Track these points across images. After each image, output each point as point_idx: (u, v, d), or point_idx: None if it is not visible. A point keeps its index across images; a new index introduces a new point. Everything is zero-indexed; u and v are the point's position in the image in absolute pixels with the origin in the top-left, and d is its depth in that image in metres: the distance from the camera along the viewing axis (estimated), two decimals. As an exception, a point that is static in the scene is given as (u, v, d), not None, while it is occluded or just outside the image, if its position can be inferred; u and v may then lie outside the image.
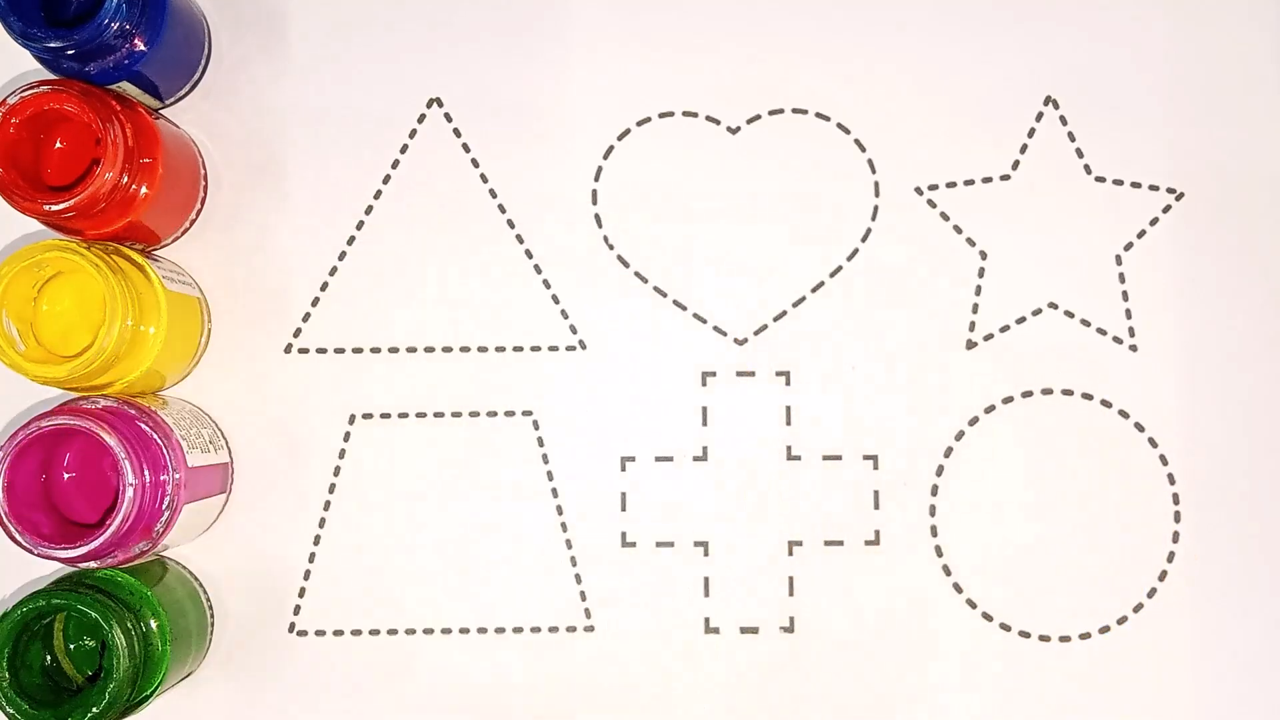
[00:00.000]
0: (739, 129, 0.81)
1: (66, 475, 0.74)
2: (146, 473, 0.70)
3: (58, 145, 0.74)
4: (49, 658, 0.73)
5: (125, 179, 0.70)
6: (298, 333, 0.80)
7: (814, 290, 0.81)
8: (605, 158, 0.81)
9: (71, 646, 0.74)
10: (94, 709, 0.69)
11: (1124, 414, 0.80)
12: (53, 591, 0.70)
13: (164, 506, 0.71)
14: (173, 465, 0.71)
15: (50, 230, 0.74)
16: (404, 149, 0.81)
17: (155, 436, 0.71)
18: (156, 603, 0.72)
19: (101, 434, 0.68)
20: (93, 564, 0.70)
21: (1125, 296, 0.80)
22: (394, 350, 0.80)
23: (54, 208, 0.69)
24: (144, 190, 0.72)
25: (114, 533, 0.68)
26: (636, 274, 0.80)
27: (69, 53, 0.70)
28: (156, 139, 0.73)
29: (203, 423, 0.77)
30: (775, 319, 0.81)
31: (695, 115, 0.81)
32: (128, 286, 0.70)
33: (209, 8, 0.80)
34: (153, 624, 0.72)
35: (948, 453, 0.80)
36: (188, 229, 0.79)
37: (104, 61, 0.72)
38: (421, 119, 0.81)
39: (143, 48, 0.72)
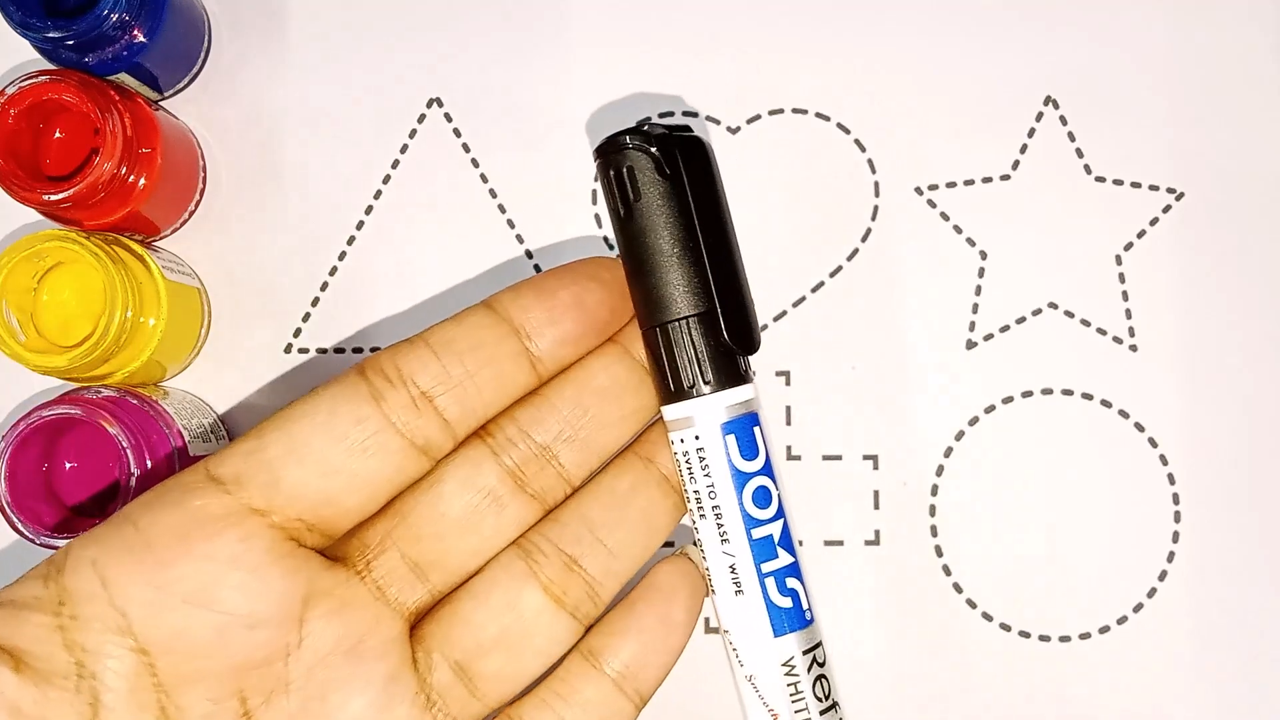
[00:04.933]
0: (739, 129, 0.81)
1: (68, 465, 0.74)
2: (149, 462, 0.70)
3: (56, 135, 0.74)
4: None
5: (124, 169, 0.70)
6: (298, 332, 0.80)
7: (814, 290, 0.81)
8: (605, 157, 0.81)
9: (69, 635, 0.74)
10: (90, 699, 0.69)
11: (1124, 414, 0.80)
12: (52, 580, 0.70)
13: (165, 496, 0.71)
14: (175, 455, 0.71)
15: (49, 220, 0.74)
16: (404, 149, 0.81)
17: (157, 426, 0.71)
18: (155, 595, 0.72)
19: (103, 423, 0.68)
20: (94, 554, 0.70)
21: (1125, 296, 0.80)
22: (394, 350, 0.80)
23: (53, 198, 0.69)
24: (143, 181, 0.72)
25: (116, 522, 0.69)
26: (637, 274, 0.80)
27: (68, 43, 0.70)
28: (155, 130, 0.73)
29: (204, 413, 0.77)
30: (775, 319, 0.80)
31: (695, 115, 0.81)
32: (128, 277, 0.70)
33: (209, 2, 0.81)
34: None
35: (948, 453, 0.80)
36: (186, 220, 0.79)
37: (103, 52, 0.72)
38: (421, 119, 0.81)
39: (142, 39, 0.73)
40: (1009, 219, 0.81)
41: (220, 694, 0.59)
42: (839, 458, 0.80)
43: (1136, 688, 0.79)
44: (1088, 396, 0.80)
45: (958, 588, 0.80)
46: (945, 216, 0.81)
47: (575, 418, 0.65)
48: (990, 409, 0.80)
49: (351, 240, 0.80)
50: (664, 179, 0.64)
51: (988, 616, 0.80)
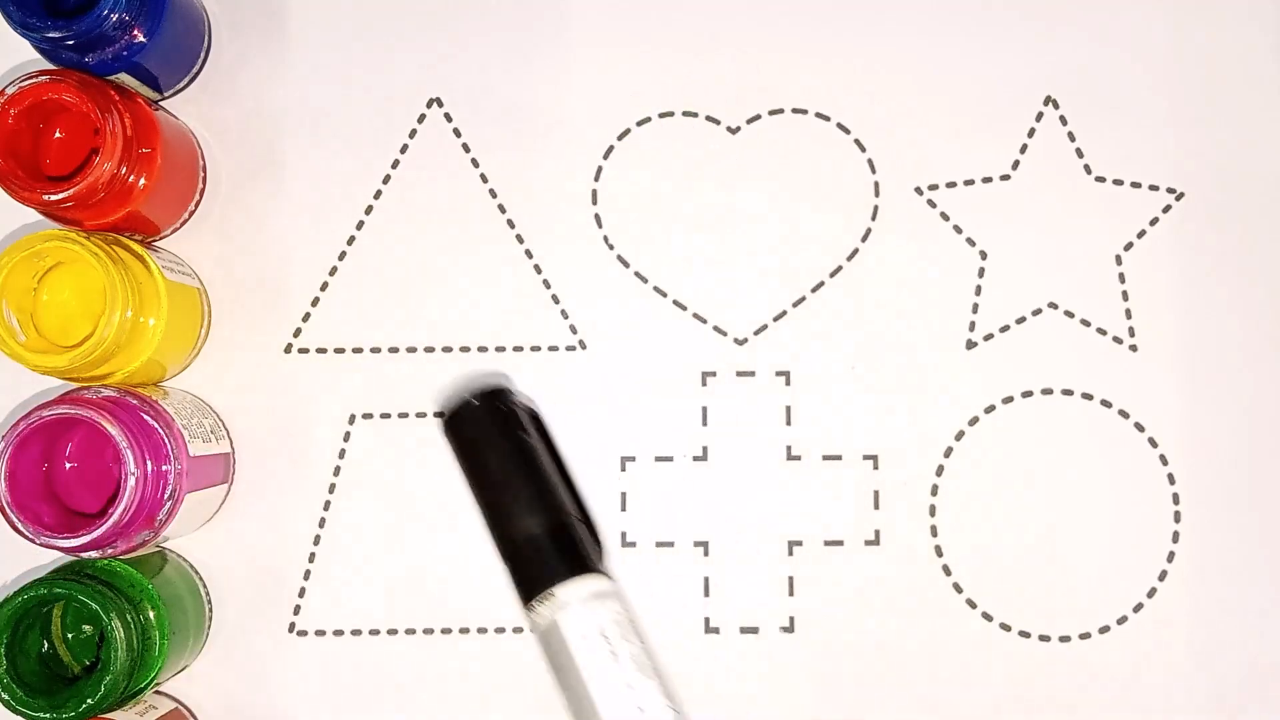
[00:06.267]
0: (739, 129, 0.81)
1: (68, 465, 0.74)
2: (148, 462, 0.69)
3: (57, 135, 0.74)
4: (46, 645, 0.73)
5: (124, 169, 0.70)
6: (298, 332, 0.80)
7: (814, 290, 0.81)
8: (605, 158, 0.81)
9: (69, 635, 0.74)
10: (89, 699, 0.68)
11: (1124, 414, 0.80)
12: (54, 580, 0.70)
13: (166, 496, 0.71)
14: (174, 455, 0.71)
15: (50, 220, 0.74)
16: (404, 149, 0.81)
17: (157, 426, 0.71)
18: (155, 595, 0.72)
19: (103, 423, 0.68)
20: (94, 554, 0.70)
21: (1125, 296, 0.80)
22: (394, 350, 0.80)
23: (53, 197, 0.69)
24: (143, 181, 0.72)
25: (116, 522, 0.68)
26: (636, 274, 0.80)
27: (68, 43, 0.70)
28: (155, 130, 0.73)
29: (204, 413, 0.77)
30: (775, 319, 0.81)
31: (695, 115, 0.81)
32: (128, 276, 0.70)
33: (209, 2, 0.81)
34: (151, 616, 0.72)
35: (948, 453, 0.80)
36: (187, 220, 0.79)
37: (103, 52, 0.72)
38: (421, 119, 0.81)
39: (142, 39, 0.73)
40: (1009, 219, 0.81)
41: None
42: (839, 458, 0.80)
43: (1136, 688, 0.79)
44: (1088, 396, 0.80)
45: (958, 588, 0.80)
46: (945, 216, 0.81)
47: None
48: (990, 409, 0.80)
49: (351, 240, 0.80)
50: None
51: (988, 616, 0.80)
